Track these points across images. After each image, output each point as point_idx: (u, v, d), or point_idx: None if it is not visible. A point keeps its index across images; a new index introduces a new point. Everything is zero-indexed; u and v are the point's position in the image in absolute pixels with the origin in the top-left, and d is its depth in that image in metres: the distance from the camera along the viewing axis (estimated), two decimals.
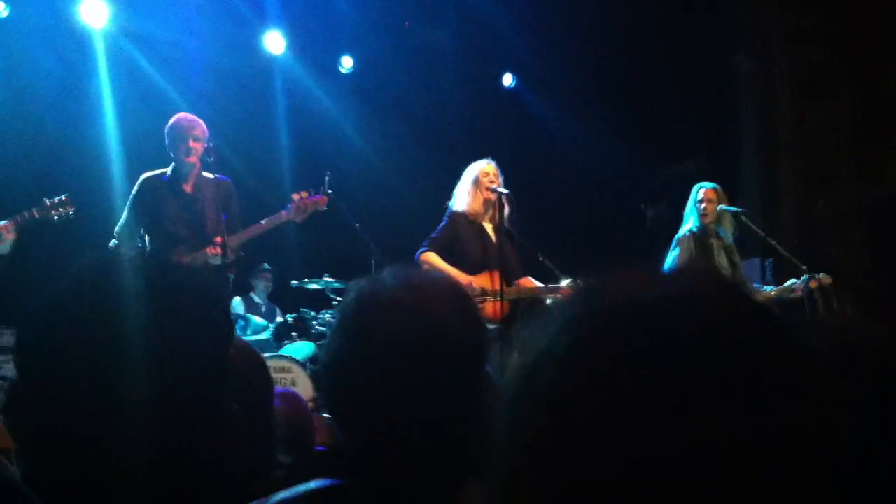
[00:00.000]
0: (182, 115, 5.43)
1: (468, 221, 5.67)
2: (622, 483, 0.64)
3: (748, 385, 0.65)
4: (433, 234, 5.69)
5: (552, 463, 0.67)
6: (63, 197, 5.51)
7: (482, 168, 5.70)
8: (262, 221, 5.42)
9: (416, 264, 5.51)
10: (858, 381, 1.42)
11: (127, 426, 1.09)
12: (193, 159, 5.32)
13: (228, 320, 1.25)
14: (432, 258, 5.57)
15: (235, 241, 5.28)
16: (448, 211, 5.76)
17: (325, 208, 5.53)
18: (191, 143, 5.29)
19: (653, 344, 0.66)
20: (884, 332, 1.51)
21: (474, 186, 5.67)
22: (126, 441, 1.09)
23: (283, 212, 5.42)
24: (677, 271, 0.75)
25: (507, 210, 5.67)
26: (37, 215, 5.40)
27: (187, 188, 5.37)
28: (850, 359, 1.44)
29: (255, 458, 2.11)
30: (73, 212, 5.50)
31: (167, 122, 5.45)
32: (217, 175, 5.42)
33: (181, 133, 5.31)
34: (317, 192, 5.50)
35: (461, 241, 5.62)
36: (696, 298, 0.69)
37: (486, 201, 5.66)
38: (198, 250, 5.22)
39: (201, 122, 5.41)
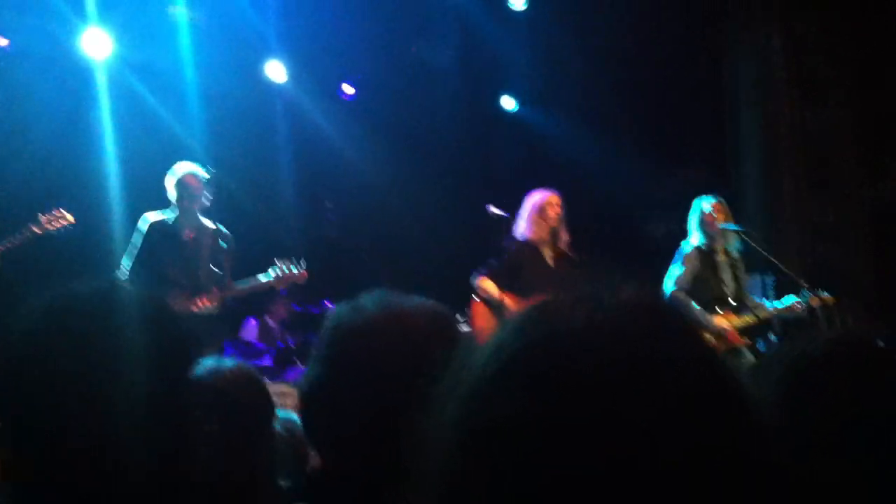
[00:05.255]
0: (189, 171, 5.60)
1: (530, 249, 5.87)
2: None
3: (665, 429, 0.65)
4: (492, 260, 5.89)
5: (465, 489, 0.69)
6: (57, 209, 5.57)
7: (547, 198, 5.90)
8: (247, 286, 5.71)
9: (472, 288, 5.81)
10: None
11: (96, 443, 1.13)
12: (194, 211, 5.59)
13: (187, 340, 1.28)
14: (487, 284, 5.79)
15: (223, 295, 5.58)
16: (508, 237, 5.96)
17: (304, 283, 5.86)
18: (186, 203, 5.53)
19: (569, 381, 0.67)
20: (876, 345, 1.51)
21: (539, 215, 5.86)
22: (97, 456, 1.13)
23: (267, 280, 5.69)
24: (616, 300, 0.75)
25: (566, 238, 5.93)
26: (38, 231, 5.49)
27: (188, 235, 5.59)
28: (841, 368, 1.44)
29: (251, 479, 2.13)
30: (70, 225, 5.59)
31: (170, 168, 5.67)
32: (219, 226, 5.65)
33: (190, 191, 5.53)
34: (298, 266, 5.75)
35: (521, 267, 5.80)
36: (621, 331, 0.69)
37: (551, 229, 5.85)
38: (190, 298, 5.42)
39: (202, 173, 5.62)
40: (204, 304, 5.40)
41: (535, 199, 5.94)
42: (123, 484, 1.12)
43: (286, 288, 5.88)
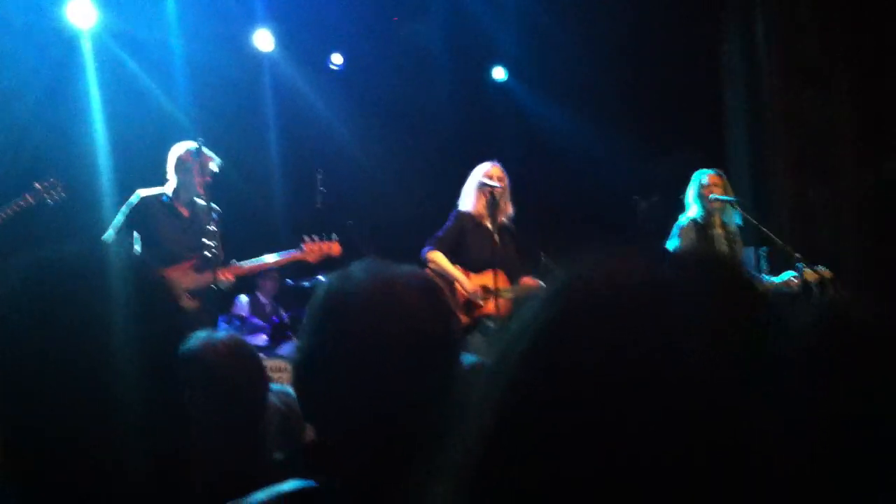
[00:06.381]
0: (187, 147, 5.49)
1: (473, 222, 5.84)
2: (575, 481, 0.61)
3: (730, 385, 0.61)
4: (439, 233, 5.85)
5: (510, 456, 0.64)
6: (52, 180, 5.66)
7: (487, 170, 5.86)
8: (276, 258, 5.64)
9: (422, 262, 5.72)
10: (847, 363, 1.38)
11: (76, 422, 1.07)
12: (201, 191, 5.48)
13: (175, 312, 1.23)
14: (438, 257, 5.74)
15: (245, 270, 5.52)
16: (454, 211, 5.92)
17: (339, 255, 5.69)
18: (198, 178, 5.42)
19: (622, 335, 0.62)
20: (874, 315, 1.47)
21: (479, 188, 5.82)
22: (84, 437, 1.08)
23: (297, 252, 5.63)
24: (671, 258, 0.70)
25: (510, 211, 5.89)
26: (31, 200, 5.54)
27: (185, 212, 5.52)
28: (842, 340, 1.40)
29: (245, 453, 2.11)
30: (65, 195, 5.66)
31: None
32: (210, 203, 5.53)
33: (194, 168, 5.41)
34: (329, 238, 5.69)
35: (465, 240, 5.79)
36: (683, 288, 0.64)
37: (490, 202, 5.79)
38: (203, 272, 5.31)
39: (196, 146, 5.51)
40: (226, 278, 5.33)
41: (477, 171, 5.91)
42: (117, 469, 1.07)
43: (318, 260, 5.70)
